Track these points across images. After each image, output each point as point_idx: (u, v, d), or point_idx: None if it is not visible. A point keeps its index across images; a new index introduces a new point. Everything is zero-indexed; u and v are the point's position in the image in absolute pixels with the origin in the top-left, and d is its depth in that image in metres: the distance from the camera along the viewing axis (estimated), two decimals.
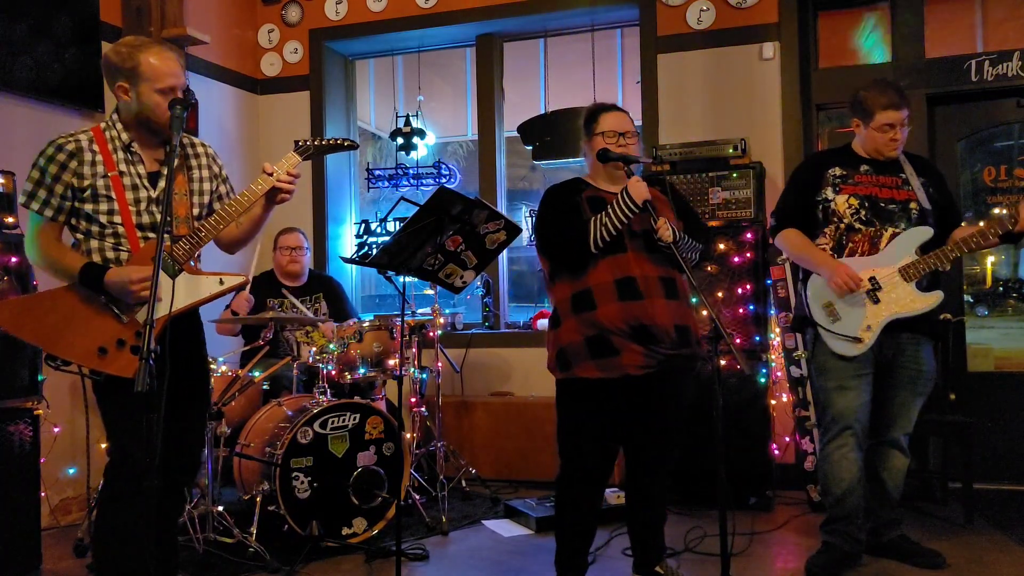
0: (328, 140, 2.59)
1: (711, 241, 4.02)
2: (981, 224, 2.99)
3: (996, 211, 3.23)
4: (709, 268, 4.08)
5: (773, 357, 4.14)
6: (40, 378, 3.29)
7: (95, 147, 2.32)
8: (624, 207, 2.61)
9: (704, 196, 4.13)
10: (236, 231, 2.58)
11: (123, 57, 2.33)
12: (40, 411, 3.29)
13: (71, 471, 3.97)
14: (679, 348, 2.64)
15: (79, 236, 2.35)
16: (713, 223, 4.08)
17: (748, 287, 3.99)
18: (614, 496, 3.76)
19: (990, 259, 4.59)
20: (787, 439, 4.15)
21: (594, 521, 2.80)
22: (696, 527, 3.44)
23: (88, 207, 2.30)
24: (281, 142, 5.41)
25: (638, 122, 4.88)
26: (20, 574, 3.15)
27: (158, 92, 2.31)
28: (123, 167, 2.34)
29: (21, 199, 2.32)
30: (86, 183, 2.29)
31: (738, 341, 3.96)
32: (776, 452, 4.03)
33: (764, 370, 3.97)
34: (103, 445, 4.07)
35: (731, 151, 4.14)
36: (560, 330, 2.70)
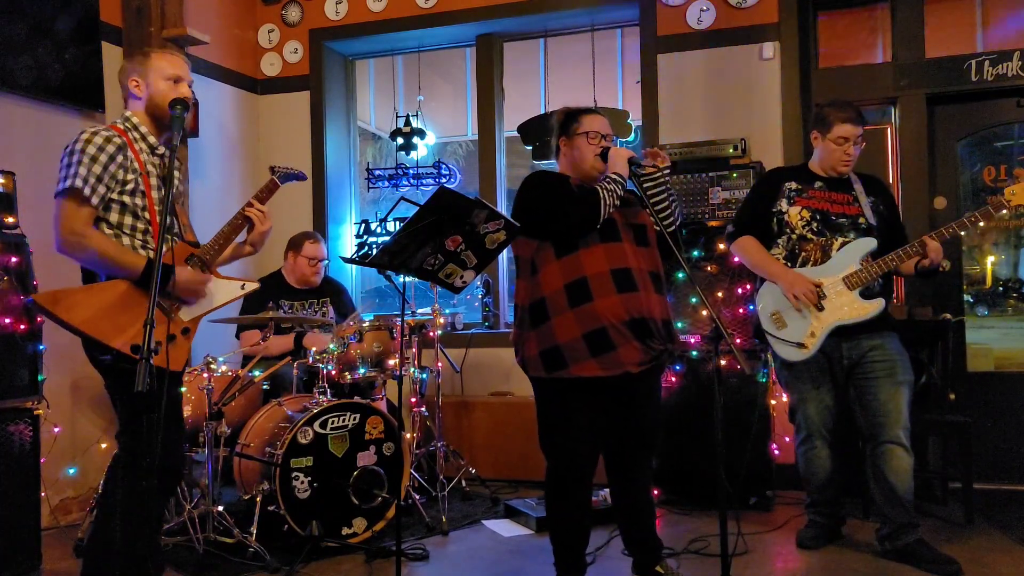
0: (295, 170, 2.89)
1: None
2: (907, 246, 3.13)
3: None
4: (709, 268, 4.08)
5: (772, 357, 4.13)
6: (40, 378, 3.29)
7: (127, 144, 2.43)
8: (617, 175, 2.66)
9: (704, 196, 4.13)
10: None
11: (136, 58, 2.53)
12: (40, 411, 3.29)
13: (71, 471, 3.97)
14: (666, 343, 2.67)
15: (108, 232, 2.40)
16: (713, 223, 4.09)
17: (748, 287, 3.99)
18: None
19: (990, 259, 4.60)
20: (787, 439, 4.15)
21: (588, 519, 2.80)
22: (701, 537, 3.44)
23: (126, 199, 2.40)
24: (281, 142, 5.42)
25: (638, 122, 4.89)
26: (20, 574, 3.15)
27: (165, 80, 2.48)
28: (149, 167, 2.47)
29: (70, 183, 2.30)
30: (130, 176, 2.39)
31: (738, 341, 3.96)
32: (776, 452, 4.03)
33: (764, 370, 3.96)
34: (103, 445, 4.10)
35: (731, 151, 4.14)
36: (552, 325, 2.62)
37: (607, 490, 3.74)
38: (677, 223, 2.77)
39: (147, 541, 2.33)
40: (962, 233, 3.12)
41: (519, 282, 2.80)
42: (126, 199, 2.39)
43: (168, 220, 2.45)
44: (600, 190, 2.63)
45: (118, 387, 2.42)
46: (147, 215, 2.43)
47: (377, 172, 5.51)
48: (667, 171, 2.77)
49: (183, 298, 2.48)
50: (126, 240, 2.41)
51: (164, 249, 2.39)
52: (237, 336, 4.32)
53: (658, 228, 2.71)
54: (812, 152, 3.39)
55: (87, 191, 2.31)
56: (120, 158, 2.37)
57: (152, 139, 2.49)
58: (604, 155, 2.74)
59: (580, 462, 2.72)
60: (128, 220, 2.41)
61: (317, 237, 4.42)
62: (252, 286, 2.72)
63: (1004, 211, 3.04)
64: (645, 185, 2.70)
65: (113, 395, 2.47)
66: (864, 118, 3.26)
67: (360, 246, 5.33)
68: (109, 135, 2.37)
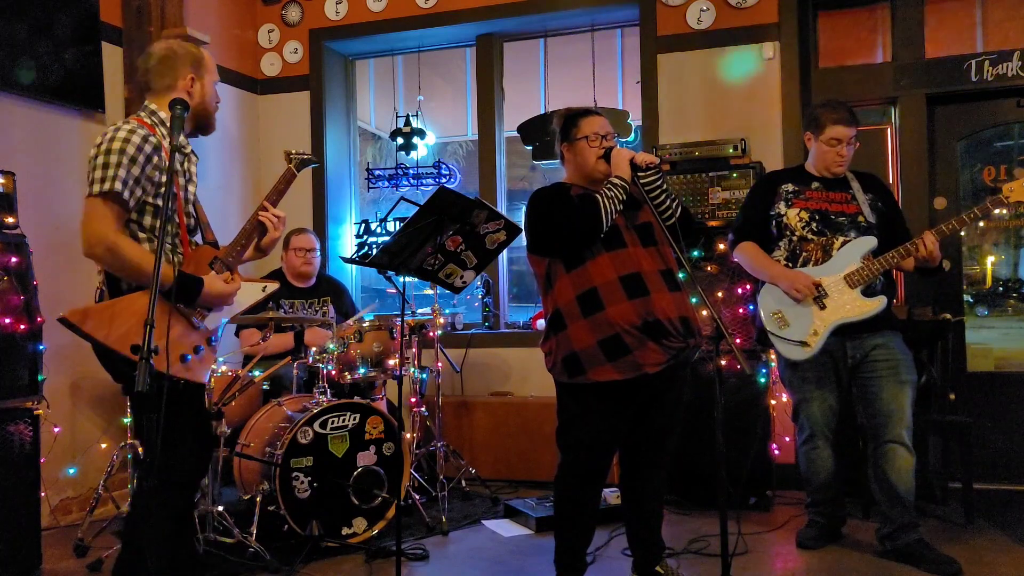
0: (309, 156, 2.69)
1: (701, 241, 4.06)
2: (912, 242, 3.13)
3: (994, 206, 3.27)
4: (709, 268, 4.08)
5: (773, 357, 4.13)
6: (40, 378, 3.28)
7: (160, 142, 2.30)
8: (620, 179, 2.65)
9: (704, 196, 4.13)
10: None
11: (187, 48, 2.39)
12: (40, 411, 3.28)
13: (71, 471, 3.97)
14: (685, 339, 2.65)
15: (142, 235, 2.28)
16: (713, 223, 4.09)
17: (748, 287, 3.99)
18: (613, 496, 3.76)
19: (990, 259, 4.60)
20: (787, 439, 4.15)
21: (594, 520, 2.80)
22: (701, 537, 3.44)
23: (160, 202, 2.25)
24: (281, 142, 5.40)
25: (638, 122, 4.89)
26: (20, 574, 3.15)
27: (214, 85, 2.43)
28: (177, 166, 2.32)
29: (108, 186, 2.15)
30: (164, 178, 2.25)
31: (738, 341, 3.96)
32: (776, 452, 4.03)
33: (764, 370, 3.97)
34: (103, 445, 4.10)
35: (731, 151, 4.14)
36: (568, 333, 2.65)
37: (607, 490, 3.75)
38: (677, 215, 2.74)
39: (148, 542, 2.32)
40: (961, 230, 3.12)
41: (542, 297, 2.83)
42: (160, 202, 2.25)
43: (195, 220, 2.43)
44: (600, 197, 2.63)
45: (148, 401, 2.37)
46: (176, 219, 2.32)
47: (377, 172, 5.52)
48: (658, 165, 2.73)
49: (211, 308, 2.37)
50: (156, 246, 2.25)
51: (185, 254, 2.35)
52: (237, 335, 4.33)
53: (663, 224, 2.69)
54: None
55: (126, 194, 2.17)
56: (156, 159, 2.24)
57: (181, 138, 2.32)
58: (607, 156, 2.74)
59: (591, 464, 2.72)
60: (158, 224, 2.26)
61: (304, 229, 4.47)
62: (272, 287, 2.61)
63: (1003, 208, 3.04)
64: (642, 182, 2.70)
65: (144, 408, 2.41)
66: (857, 118, 3.26)
67: (360, 246, 5.33)
68: (145, 133, 2.23)
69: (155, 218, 2.28)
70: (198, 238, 2.47)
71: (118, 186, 2.17)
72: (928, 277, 3.31)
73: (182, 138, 2.37)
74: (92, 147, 2.24)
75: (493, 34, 5.25)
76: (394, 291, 4.61)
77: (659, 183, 2.69)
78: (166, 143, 2.31)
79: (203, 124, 2.47)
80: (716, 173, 4.13)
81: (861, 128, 3.30)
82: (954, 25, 4.51)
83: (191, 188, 2.43)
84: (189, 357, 2.28)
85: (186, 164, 2.40)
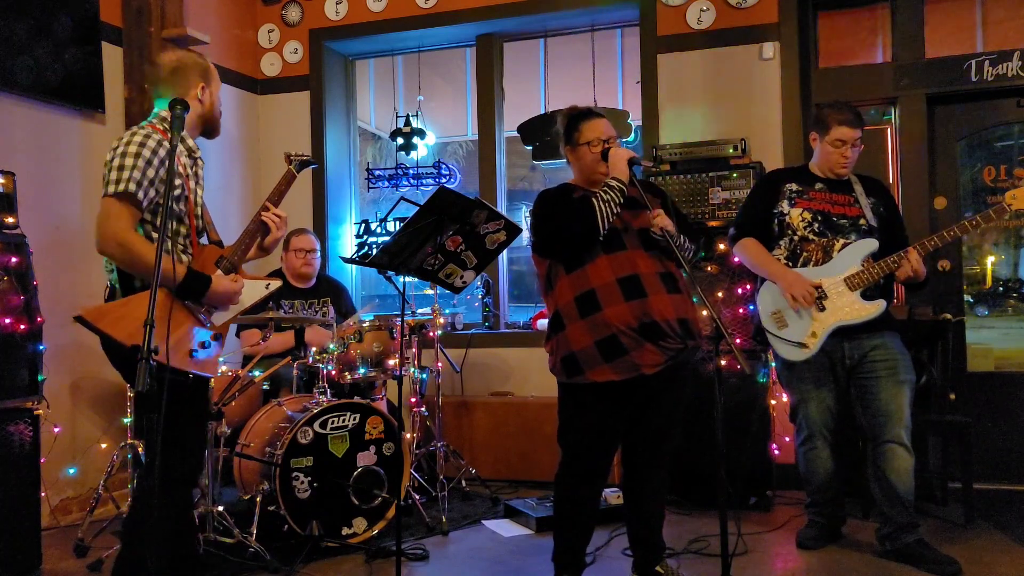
0: (308, 157, 2.78)
1: (701, 242, 4.06)
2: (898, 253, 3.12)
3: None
4: (709, 268, 4.08)
5: (773, 357, 4.13)
6: (40, 378, 3.29)
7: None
8: (616, 180, 2.67)
9: (704, 196, 4.13)
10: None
11: (194, 59, 2.51)
12: (40, 411, 3.29)
13: (71, 471, 3.98)
14: (684, 340, 2.65)
15: (155, 235, 2.33)
16: (713, 223, 4.09)
17: (748, 287, 3.99)
18: (613, 496, 3.76)
19: (990, 259, 4.60)
20: (787, 439, 4.15)
21: (593, 519, 2.80)
22: (701, 537, 3.44)
23: (172, 204, 2.35)
24: (281, 142, 5.41)
25: (638, 122, 4.89)
26: (20, 574, 3.15)
27: (218, 93, 2.54)
28: (188, 171, 2.44)
29: (123, 187, 2.22)
30: (177, 181, 2.36)
31: (738, 341, 3.95)
32: (776, 452, 4.03)
33: (764, 370, 3.97)
34: (103, 445, 4.10)
35: (731, 151, 4.14)
36: (567, 334, 2.67)
37: (608, 490, 3.75)
38: (690, 256, 2.81)
39: (148, 542, 2.33)
40: (963, 236, 3.12)
41: (543, 297, 2.86)
42: (172, 204, 2.34)
43: (202, 223, 2.50)
44: (595, 200, 2.64)
45: (156, 398, 2.39)
46: (187, 220, 2.41)
47: (377, 172, 5.52)
48: (673, 235, 2.67)
49: (217, 306, 2.44)
50: (167, 244, 2.33)
51: (194, 253, 2.42)
52: (237, 335, 4.33)
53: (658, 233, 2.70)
54: (812, 152, 3.40)
55: (140, 195, 2.25)
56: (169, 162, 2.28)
57: (191, 142, 2.47)
58: (605, 156, 2.75)
59: (591, 464, 2.73)
60: (172, 225, 2.37)
61: (305, 230, 4.48)
62: (275, 284, 2.65)
63: (1005, 215, 3.04)
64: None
65: (150, 406, 2.43)
66: (863, 120, 3.26)
67: (360, 246, 5.33)
68: (160, 138, 2.32)
69: (169, 219, 2.36)
70: (204, 239, 2.53)
71: (132, 187, 2.24)
72: (913, 290, 3.31)
73: (192, 142, 2.47)
74: (108, 151, 2.32)
75: (493, 34, 5.25)
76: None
77: (679, 242, 2.72)
78: (180, 147, 2.40)
79: (210, 128, 2.57)
80: (716, 173, 4.13)
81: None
82: (954, 25, 4.51)
83: (199, 191, 2.50)
84: (197, 352, 2.34)
85: (195, 168, 2.48)
